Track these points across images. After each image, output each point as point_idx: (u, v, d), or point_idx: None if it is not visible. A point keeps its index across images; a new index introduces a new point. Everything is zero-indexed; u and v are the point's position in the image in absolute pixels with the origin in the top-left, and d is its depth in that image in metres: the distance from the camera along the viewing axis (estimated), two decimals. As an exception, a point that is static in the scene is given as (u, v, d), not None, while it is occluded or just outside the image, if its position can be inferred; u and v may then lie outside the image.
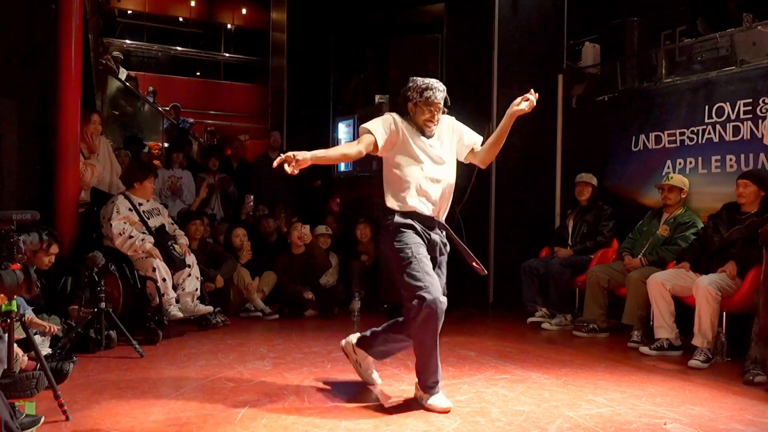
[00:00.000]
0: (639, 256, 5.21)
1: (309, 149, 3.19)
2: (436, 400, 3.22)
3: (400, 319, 3.40)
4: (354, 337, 3.68)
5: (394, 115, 3.44)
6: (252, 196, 7.58)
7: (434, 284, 3.17)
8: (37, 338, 3.72)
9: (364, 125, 3.43)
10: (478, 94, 7.10)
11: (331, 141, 9.07)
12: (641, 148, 5.97)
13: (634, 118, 6.09)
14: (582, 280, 5.61)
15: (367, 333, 3.57)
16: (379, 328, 3.52)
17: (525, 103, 3.43)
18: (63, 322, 4.28)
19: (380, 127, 3.38)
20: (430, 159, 3.45)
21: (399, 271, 3.22)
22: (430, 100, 3.37)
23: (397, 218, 3.33)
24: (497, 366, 4.20)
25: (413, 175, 3.38)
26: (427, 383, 3.26)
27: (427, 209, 3.39)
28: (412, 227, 3.32)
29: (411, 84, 3.43)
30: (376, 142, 3.34)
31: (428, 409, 3.21)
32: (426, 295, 3.10)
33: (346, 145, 3.65)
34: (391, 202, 3.40)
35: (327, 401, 3.35)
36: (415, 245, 3.28)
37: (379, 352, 3.58)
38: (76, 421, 2.97)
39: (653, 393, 3.60)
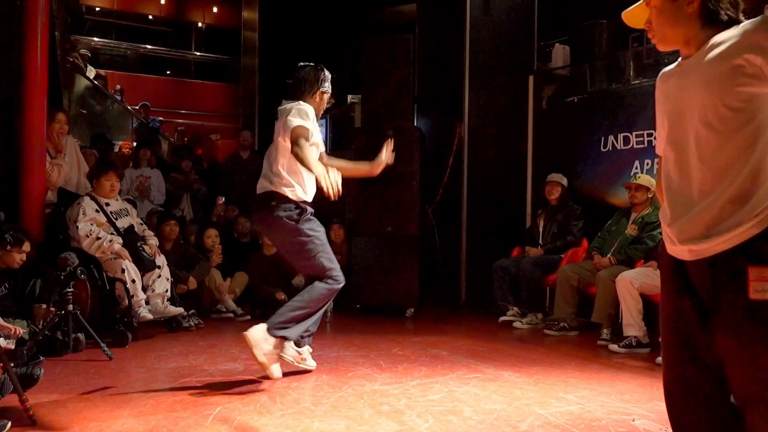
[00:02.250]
0: (608, 256, 5.29)
1: None
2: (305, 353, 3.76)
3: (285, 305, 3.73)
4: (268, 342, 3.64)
5: (309, 106, 3.68)
6: (222, 198, 7.51)
7: (339, 267, 3.80)
8: (2, 341, 3.64)
9: (301, 123, 3.54)
10: (450, 94, 7.14)
11: (303, 141, 9.03)
12: (610, 149, 6.06)
13: (603, 119, 6.17)
14: (552, 280, 5.67)
15: (277, 325, 3.64)
16: (283, 315, 3.66)
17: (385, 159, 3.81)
18: (29, 324, 4.20)
19: (311, 123, 3.62)
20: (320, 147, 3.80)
21: (313, 254, 3.70)
22: (331, 92, 3.81)
23: (304, 206, 3.71)
24: (469, 365, 4.22)
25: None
26: (303, 334, 3.70)
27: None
28: (314, 215, 3.79)
29: (325, 74, 3.75)
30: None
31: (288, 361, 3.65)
32: (339, 275, 3.80)
33: (313, 156, 3.59)
34: (297, 193, 3.69)
35: (299, 402, 3.34)
36: (322, 233, 3.80)
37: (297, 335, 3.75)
38: (43, 426, 2.91)
39: (622, 390, 3.65)
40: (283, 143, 3.65)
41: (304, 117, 3.60)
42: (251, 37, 11.73)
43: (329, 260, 3.79)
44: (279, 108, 3.78)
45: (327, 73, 3.81)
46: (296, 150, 3.44)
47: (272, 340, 3.62)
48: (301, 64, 3.88)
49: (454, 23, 7.08)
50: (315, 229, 3.76)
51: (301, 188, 3.71)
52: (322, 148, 3.86)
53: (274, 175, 3.70)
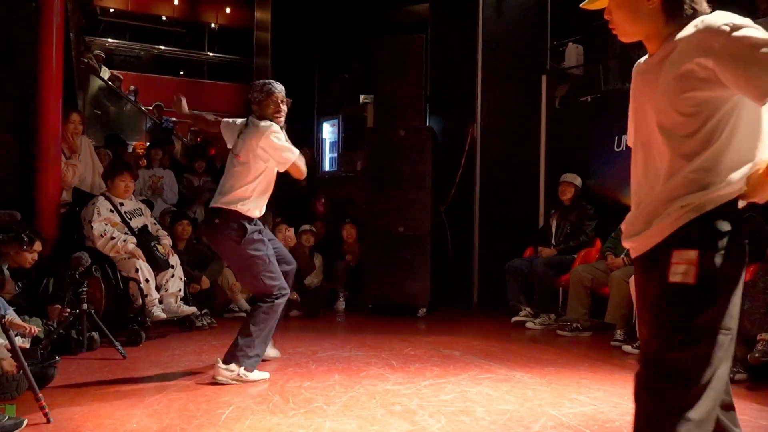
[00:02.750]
0: (621, 256, 5.25)
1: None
2: (257, 374, 3.72)
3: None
4: (228, 366, 3.68)
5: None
6: None
7: (283, 279, 3.83)
8: (18, 340, 3.68)
9: (292, 150, 3.79)
10: (462, 93, 7.12)
11: (315, 141, 9.06)
12: (624, 148, 6.01)
13: (616, 118, 6.11)
14: (565, 280, 5.64)
15: (238, 349, 3.71)
16: (234, 348, 3.72)
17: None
18: (44, 323, 4.24)
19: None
20: None
21: (261, 271, 3.73)
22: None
23: (255, 225, 3.78)
24: (481, 365, 4.21)
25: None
26: (253, 358, 3.71)
27: None
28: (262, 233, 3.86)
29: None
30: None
31: (244, 381, 3.63)
32: (284, 290, 3.83)
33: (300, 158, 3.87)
34: (253, 210, 3.78)
35: (311, 402, 3.35)
36: (270, 249, 3.84)
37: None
38: (58, 424, 2.93)
39: (636, 391, 3.62)
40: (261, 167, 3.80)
41: (285, 142, 3.81)
42: (264, 38, 11.75)
43: (274, 278, 3.81)
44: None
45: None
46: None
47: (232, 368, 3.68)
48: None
49: (466, 23, 7.06)
50: (265, 248, 3.80)
51: (253, 205, 3.80)
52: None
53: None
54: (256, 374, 3.74)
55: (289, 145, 3.81)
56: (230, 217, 3.73)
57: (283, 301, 3.86)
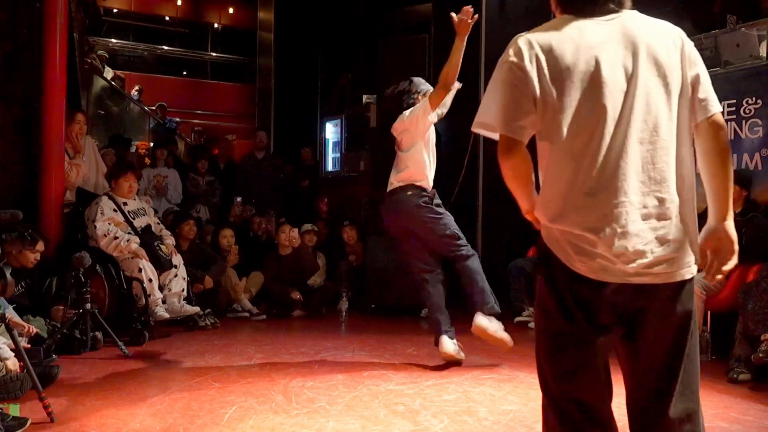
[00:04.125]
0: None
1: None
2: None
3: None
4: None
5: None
6: (240, 198, 7.55)
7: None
8: (23, 341, 3.68)
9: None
10: (465, 93, 7.11)
11: (318, 141, 9.05)
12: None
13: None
14: (568, 280, 5.62)
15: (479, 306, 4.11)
16: (473, 292, 4.19)
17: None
18: (47, 323, 4.25)
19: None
20: None
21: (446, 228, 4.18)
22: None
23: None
24: (484, 365, 4.21)
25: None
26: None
27: None
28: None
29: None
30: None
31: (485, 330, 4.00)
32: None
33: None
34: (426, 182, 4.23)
35: (314, 402, 3.35)
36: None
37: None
38: (61, 423, 2.94)
39: (639, 391, 3.61)
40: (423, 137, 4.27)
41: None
42: (267, 38, 11.75)
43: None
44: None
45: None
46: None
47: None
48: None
49: (469, 23, 7.05)
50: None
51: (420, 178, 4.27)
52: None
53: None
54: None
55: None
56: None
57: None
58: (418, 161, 4.19)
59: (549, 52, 1.63)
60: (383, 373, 3.95)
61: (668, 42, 1.67)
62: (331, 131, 8.54)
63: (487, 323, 4.03)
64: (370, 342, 4.94)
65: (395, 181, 4.24)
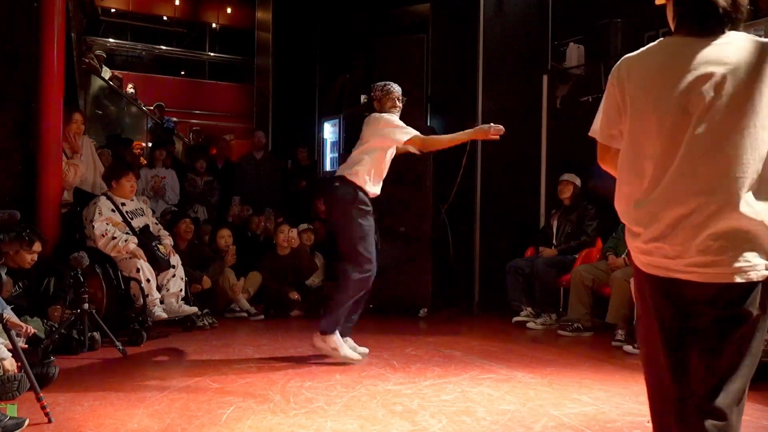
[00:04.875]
0: (623, 256, 5.25)
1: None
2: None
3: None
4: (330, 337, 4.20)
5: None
6: (238, 198, 7.54)
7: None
8: (20, 341, 3.67)
9: (404, 127, 4.29)
10: (463, 93, 7.12)
11: (316, 141, 9.04)
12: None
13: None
14: (567, 280, 5.64)
15: (331, 322, 4.21)
16: (333, 312, 4.23)
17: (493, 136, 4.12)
18: (45, 323, 4.24)
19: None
20: None
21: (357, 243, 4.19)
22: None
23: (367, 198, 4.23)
24: (483, 365, 4.21)
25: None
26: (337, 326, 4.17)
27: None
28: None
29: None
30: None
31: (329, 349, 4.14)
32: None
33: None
34: (369, 187, 4.26)
35: (312, 402, 3.35)
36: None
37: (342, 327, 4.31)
38: (59, 424, 2.94)
39: (637, 391, 3.62)
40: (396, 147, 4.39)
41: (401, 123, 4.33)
42: (265, 38, 11.74)
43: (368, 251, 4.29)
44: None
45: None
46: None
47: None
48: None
49: (467, 23, 7.06)
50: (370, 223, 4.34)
51: (370, 183, 4.33)
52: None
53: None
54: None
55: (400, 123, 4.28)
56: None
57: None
58: (378, 167, 4.32)
59: (633, 70, 1.82)
60: (381, 373, 3.95)
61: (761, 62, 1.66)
62: (329, 131, 8.52)
63: (322, 344, 4.24)
64: (369, 342, 4.92)
65: (350, 173, 4.26)
